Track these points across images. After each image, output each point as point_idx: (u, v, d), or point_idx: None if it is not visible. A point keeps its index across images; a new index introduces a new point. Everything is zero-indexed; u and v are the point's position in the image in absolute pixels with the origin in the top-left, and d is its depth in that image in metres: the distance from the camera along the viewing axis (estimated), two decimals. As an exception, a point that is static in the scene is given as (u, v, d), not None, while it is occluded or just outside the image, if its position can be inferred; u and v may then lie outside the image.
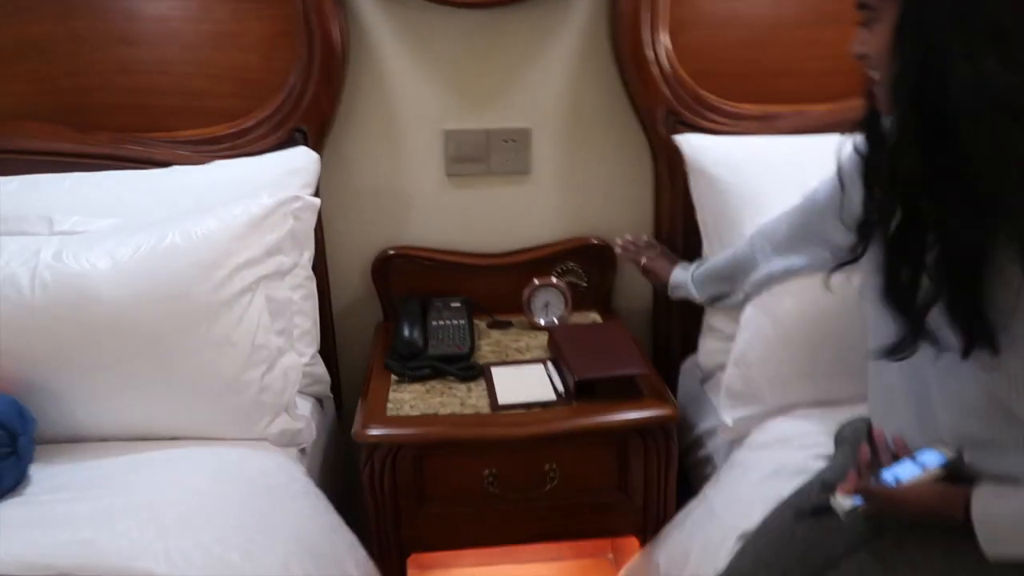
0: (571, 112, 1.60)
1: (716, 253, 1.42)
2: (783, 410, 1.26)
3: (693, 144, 1.48)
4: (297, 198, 1.32)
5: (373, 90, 1.55)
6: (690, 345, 1.56)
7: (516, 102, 1.59)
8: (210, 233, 1.21)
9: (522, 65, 1.56)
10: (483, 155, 1.61)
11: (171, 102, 1.47)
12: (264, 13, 1.43)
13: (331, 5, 1.41)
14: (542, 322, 1.58)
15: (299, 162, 1.43)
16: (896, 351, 0.87)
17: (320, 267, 1.55)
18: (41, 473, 1.12)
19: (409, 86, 1.56)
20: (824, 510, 0.91)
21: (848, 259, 0.97)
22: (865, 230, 0.94)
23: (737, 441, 1.29)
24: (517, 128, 1.60)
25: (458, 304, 1.57)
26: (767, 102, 1.54)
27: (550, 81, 1.58)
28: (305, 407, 1.40)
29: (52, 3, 1.40)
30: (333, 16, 1.41)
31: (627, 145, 1.63)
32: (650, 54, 1.47)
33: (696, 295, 1.42)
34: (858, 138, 0.96)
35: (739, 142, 1.47)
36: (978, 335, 0.78)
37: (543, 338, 1.53)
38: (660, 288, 1.53)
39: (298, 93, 1.45)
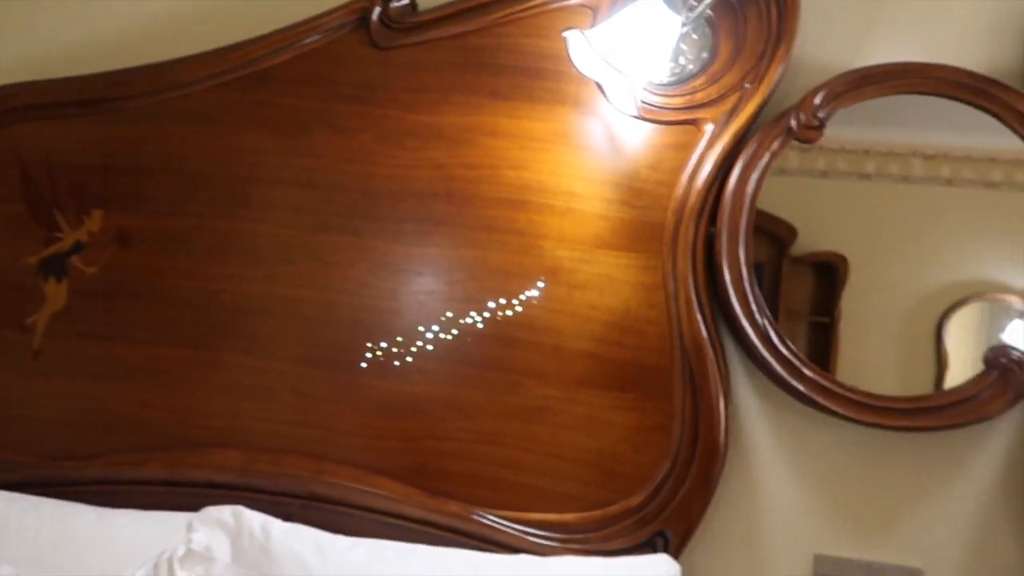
0: (973, 558, 1.34)
1: None
2: None
3: None
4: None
5: (739, 499, 1.39)
6: None
7: (905, 536, 1.35)
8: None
9: (916, 496, 1.36)
10: (859, 592, 1.35)
11: (528, 480, 1.38)
12: (645, 405, 1.36)
13: (722, 408, 1.32)
14: None
15: (658, 571, 1.26)
16: None
17: None
18: None
19: (780, 499, 1.39)
20: None
21: None
22: None
23: None
24: (905, 566, 1.34)
25: None
26: None
27: (951, 519, 1.34)
28: None
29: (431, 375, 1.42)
30: (721, 419, 1.32)
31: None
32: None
33: None
34: None
35: None
36: None
37: None
38: None
39: (667, 493, 1.32)
